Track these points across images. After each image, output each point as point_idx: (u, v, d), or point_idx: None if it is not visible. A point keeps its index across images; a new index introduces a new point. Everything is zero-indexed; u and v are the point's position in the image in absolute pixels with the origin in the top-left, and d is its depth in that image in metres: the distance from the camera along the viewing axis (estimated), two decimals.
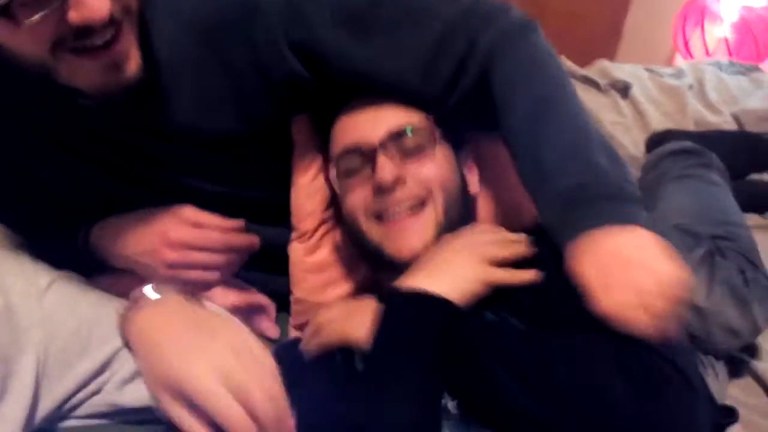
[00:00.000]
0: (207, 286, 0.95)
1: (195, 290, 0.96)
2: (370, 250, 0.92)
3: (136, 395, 0.82)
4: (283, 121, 0.98)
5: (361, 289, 1.05)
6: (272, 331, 1.07)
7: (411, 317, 0.77)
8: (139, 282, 0.96)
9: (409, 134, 0.89)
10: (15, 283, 0.82)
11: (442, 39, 0.88)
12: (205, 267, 0.91)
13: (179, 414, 0.67)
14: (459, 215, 0.90)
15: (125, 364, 0.83)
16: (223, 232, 0.92)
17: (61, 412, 0.80)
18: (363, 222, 0.91)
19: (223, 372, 0.66)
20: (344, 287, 1.05)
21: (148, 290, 0.79)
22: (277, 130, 0.98)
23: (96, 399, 0.82)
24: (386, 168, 0.87)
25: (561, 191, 0.81)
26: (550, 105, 0.87)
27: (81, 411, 0.82)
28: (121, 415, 0.83)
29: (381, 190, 0.87)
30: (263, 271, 1.06)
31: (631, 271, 0.72)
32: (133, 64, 0.79)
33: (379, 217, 0.89)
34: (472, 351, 0.73)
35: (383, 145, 0.89)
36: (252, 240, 0.95)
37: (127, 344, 0.79)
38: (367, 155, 0.89)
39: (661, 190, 1.40)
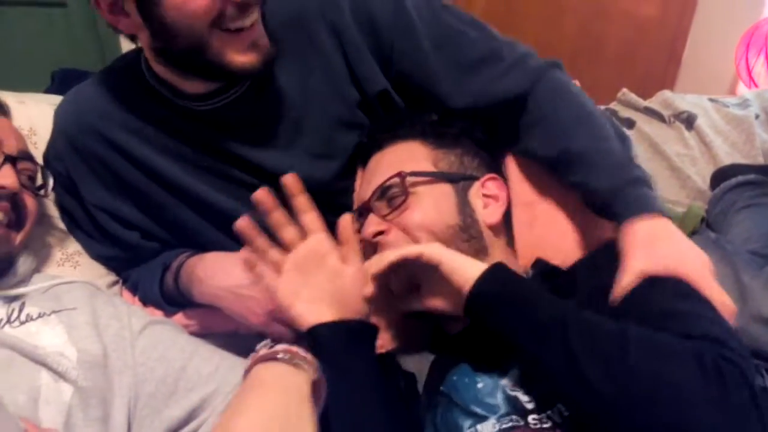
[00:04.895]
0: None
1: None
2: None
3: None
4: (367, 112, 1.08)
5: (418, 329, 1.06)
6: None
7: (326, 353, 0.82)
8: (222, 319, 1.01)
9: (388, 190, 0.96)
10: (110, 325, 0.87)
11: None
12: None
13: None
14: (463, 250, 0.91)
15: (212, 416, 0.86)
16: None
17: None
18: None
19: None
20: (389, 318, 1.05)
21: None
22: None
23: None
24: (368, 224, 0.96)
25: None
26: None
27: None
28: None
29: (369, 246, 0.94)
30: None
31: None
32: (267, 42, 0.93)
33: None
34: (557, 324, 0.75)
35: (371, 204, 0.97)
36: None
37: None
38: (366, 214, 0.98)
39: (728, 221, 1.38)
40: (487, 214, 0.98)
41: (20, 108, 1.10)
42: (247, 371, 0.76)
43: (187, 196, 1.03)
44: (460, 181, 0.98)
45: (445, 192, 0.97)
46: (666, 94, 1.84)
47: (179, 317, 1.03)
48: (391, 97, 1.06)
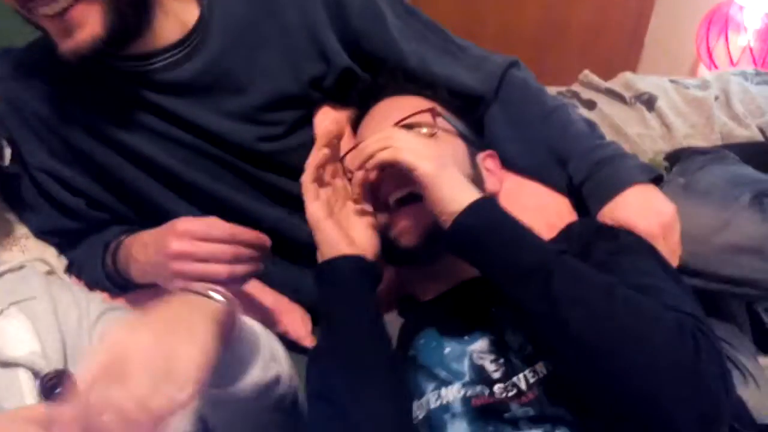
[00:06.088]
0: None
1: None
2: (380, 237, 0.96)
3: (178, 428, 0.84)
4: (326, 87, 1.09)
5: (386, 292, 1.06)
6: (307, 340, 1.09)
7: (331, 289, 0.89)
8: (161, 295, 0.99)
9: (414, 125, 0.96)
10: (68, 313, 0.85)
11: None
12: (210, 277, 0.92)
13: None
14: None
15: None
16: (223, 242, 0.92)
17: None
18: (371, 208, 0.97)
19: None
20: None
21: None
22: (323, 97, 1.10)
23: None
24: None
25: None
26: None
27: None
28: None
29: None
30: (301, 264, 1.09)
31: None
32: (87, 32, 0.88)
33: (386, 206, 0.95)
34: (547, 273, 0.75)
35: None
36: (261, 243, 0.95)
37: None
38: None
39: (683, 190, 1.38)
40: (490, 182, 1.00)
41: None
42: None
43: (131, 156, 1.02)
44: (471, 143, 1.01)
45: (461, 145, 0.99)
46: (627, 75, 1.84)
47: (123, 300, 1.02)
48: (355, 76, 1.08)
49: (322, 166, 0.94)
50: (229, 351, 0.71)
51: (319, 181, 0.94)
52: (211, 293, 0.70)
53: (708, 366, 0.68)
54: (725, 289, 1.09)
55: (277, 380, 0.82)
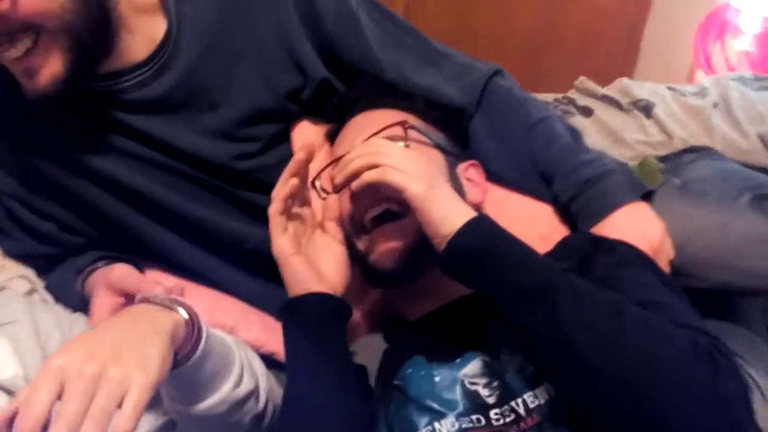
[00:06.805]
0: None
1: None
2: (360, 259, 0.95)
3: None
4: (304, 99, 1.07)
5: (372, 313, 1.06)
6: None
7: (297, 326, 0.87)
8: None
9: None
10: (51, 336, 0.83)
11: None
12: None
13: None
14: None
15: (149, 417, 0.82)
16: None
17: None
18: (349, 230, 0.95)
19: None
20: (355, 312, 1.03)
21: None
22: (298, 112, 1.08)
23: None
24: None
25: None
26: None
27: None
28: None
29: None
30: None
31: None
32: (48, 73, 0.86)
33: (363, 226, 0.92)
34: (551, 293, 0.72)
35: None
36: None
37: None
38: None
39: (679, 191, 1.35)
40: (472, 193, 0.97)
41: None
42: None
43: (102, 180, 0.99)
44: (449, 155, 0.98)
45: (438, 157, 0.96)
46: (624, 81, 1.82)
47: None
48: (332, 88, 1.06)
49: (290, 197, 0.90)
50: (195, 366, 0.70)
51: (287, 213, 0.91)
52: (172, 305, 0.69)
53: (728, 386, 0.66)
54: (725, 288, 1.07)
55: (252, 395, 0.81)
